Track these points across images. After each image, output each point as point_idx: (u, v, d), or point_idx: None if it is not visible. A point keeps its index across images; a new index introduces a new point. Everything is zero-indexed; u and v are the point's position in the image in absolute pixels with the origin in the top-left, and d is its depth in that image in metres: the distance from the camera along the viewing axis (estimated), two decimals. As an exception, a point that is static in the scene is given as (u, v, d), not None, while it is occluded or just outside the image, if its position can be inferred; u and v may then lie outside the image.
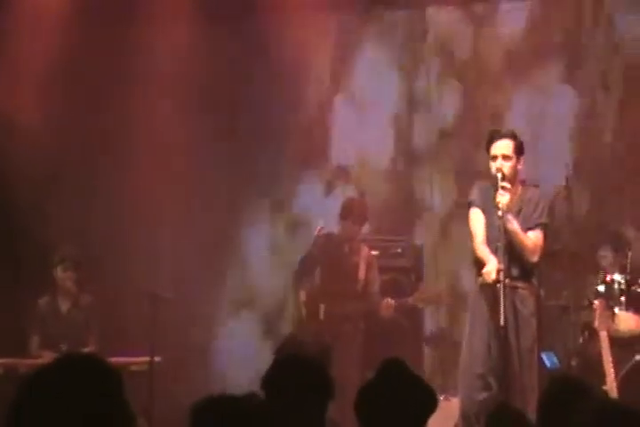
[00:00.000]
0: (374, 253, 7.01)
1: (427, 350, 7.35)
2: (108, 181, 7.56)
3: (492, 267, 5.25)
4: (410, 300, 6.74)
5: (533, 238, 5.45)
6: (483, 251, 5.41)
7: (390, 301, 6.69)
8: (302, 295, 6.84)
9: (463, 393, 5.44)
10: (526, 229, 5.44)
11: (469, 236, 5.56)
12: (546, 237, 5.52)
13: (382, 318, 6.69)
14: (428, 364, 7.25)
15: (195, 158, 7.63)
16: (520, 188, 5.55)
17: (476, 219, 5.54)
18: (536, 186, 5.66)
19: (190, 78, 7.58)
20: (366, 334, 6.76)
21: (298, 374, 3.15)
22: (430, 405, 3.08)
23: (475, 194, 5.59)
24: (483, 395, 5.31)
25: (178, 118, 7.54)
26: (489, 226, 5.47)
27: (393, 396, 3.06)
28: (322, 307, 6.68)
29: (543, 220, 5.51)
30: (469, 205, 5.61)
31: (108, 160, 7.57)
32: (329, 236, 6.81)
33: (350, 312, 6.69)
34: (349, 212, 6.82)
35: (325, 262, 6.79)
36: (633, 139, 7.37)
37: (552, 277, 7.04)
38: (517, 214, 5.46)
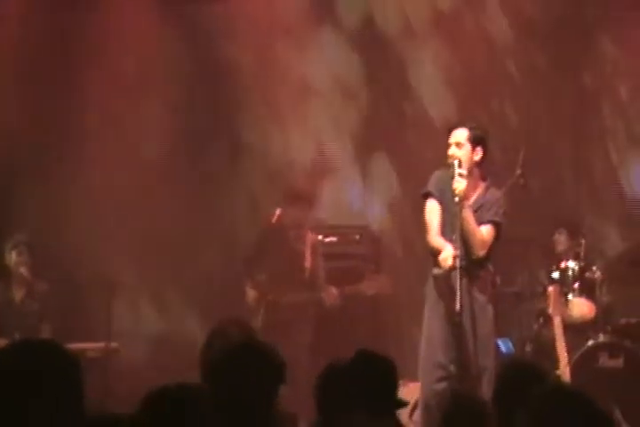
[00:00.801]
0: (332, 239, 7.01)
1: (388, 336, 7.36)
2: (64, 168, 7.49)
3: (448, 253, 5.30)
4: (359, 287, 6.70)
5: (484, 232, 5.49)
6: (437, 240, 5.45)
7: (334, 289, 6.65)
8: (249, 283, 6.82)
9: (424, 383, 5.46)
10: (479, 224, 5.49)
11: (423, 226, 5.58)
12: (497, 236, 5.54)
13: (330, 306, 6.68)
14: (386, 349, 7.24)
15: (154, 145, 7.59)
16: (482, 185, 5.59)
17: (432, 210, 5.56)
18: (499, 188, 5.69)
19: (154, 65, 7.54)
20: (317, 322, 6.74)
21: (248, 360, 3.15)
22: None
23: (431, 184, 5.60)
24: (443, 384, 5.34)
25: (136, 105, 7.50)
26: (447, 215, 5.51)
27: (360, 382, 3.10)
28: (270, 295, 6.67)
29: (497, 219, 5.55)
30: (426, 195, 5.62)
31: (63, 146, 7.50)
32: (277, 222, 6.74)
33: (297, 300, 6.67)
34: (295, 198, 6.79)
35: (272, 250, 6.71)
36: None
37: (508, 264, 7.13)
38: (475, 212, 5.50)
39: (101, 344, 6.35)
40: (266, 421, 2.98)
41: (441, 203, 5.54)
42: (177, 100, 7.66)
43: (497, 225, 5.53)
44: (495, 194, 5.60)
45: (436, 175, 5.64)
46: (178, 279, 7.59)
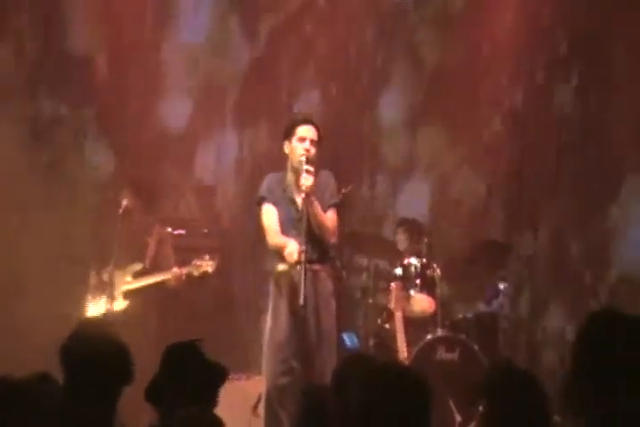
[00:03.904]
0: (181, 232, 7.03)
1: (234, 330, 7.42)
2: None
3: (292, 248, 5.41)
4: (184, 269, 6.67)
5: (331, 219, 5.63)
6: (279, 238, 5.55)
7: (177, 268, 6.65)
8: (93, 275, 6.79)
9: (267, 377, 5.52)
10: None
11: (263, 231, 5.66)
12: (339, 215, 5.68)
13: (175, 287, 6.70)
14: (239, 339, 7.25)
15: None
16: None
17: (268, 213, 5.65)
18: (325, 169, 5.76)
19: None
20: (161, 307, 6.76)
21: (91, 357, 3.17)
22: (218, 380, 3.20)
23: (263, 189, 5.69)
24: (286, 378, 5.42)
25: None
26: (285, 214, 5.62)
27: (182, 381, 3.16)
28: (117, 284, 6.66)
29: (335, 200, 5.67)
30: (260, 201, 5.69)
31: None
32: (124, 213, 6.65)
33: (141, 288, 6.69)
34: (138, 189, 6.78)
35: (121, 240, 6.68)
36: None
37: (353, 259, 7.33)
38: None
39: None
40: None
41: (275, 204, 5.64)
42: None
43: (336, 207, 5.67)
44: (324, 175, 5.69)
45: (267, 180, 5.73)
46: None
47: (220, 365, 3.29)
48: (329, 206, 5.62)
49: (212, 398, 3.19)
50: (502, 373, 3.24)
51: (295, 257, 5.38)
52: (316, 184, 5.54)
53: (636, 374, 2.51)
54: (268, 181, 5.71)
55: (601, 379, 2.53)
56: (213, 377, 3.23)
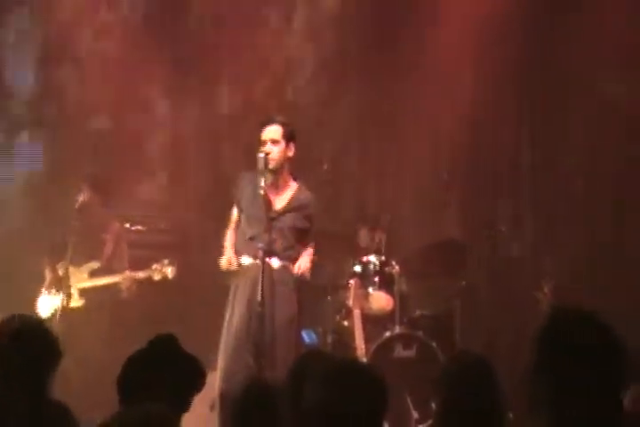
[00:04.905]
0: (139, 228, 6.99)
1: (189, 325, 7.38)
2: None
3: (224, 260, 5.63)
4: (142, 273, 6.65)
5: (309, 258, 5.77)
6: (226, 244, 5.75)
7: (130, 273, 6.64)
8: (48, 268, 6.74)
9: (223, 376, 5.51)
10: (296, 230, 5.67)
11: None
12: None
13: (127, 291, 6.67)
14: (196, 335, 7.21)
15: None
16: (294, 184, 5.74)
17: (230, 218, 5.84)
18: (310, 190, 5.83)
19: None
20: (113, 309, 6.72)
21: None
22: (197, 380, 3.20)
23: (236, 190, 5.80)
24: (242, 374, 5.38)
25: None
26: (256, 212, 5.64)
27: (159, 370, 3.15)
28: (73, 282, 6.61)
29: (311, 235, 5.81)
30: (233, 201, 5.82)
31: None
32: (80, 209, 6.61)
33: (97, 287, 6.65)
34: (94, 185, 6.73)
35: (77, 236, 6.65)
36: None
37: (314, 256, 7.31)
38: (289, 212, 5.68)
39: None
40: (34, 409, 3.00)
41: (246, 201, 5.69)
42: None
43: (314, 242, 5.85)
44: (308, 197, 5.77)
45: (241, 177, 5.81)
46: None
47: (199, 363, 3.27)
48: (309, 244, 5.77)
49: (185, 402, 3.16)
50: (458, 365, 3.26)
51: (223, 266, 5.57)
52: (298, 199, 5.67)
53: (596, 374, 2.52)
54: (241, 180, 5.77)
55: (561, 379, 2.53)
56: (191, 377, 3.20)
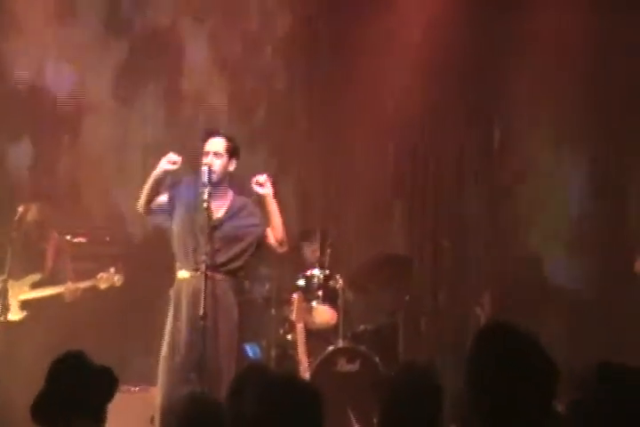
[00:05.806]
0: (81, 240, 6.90)
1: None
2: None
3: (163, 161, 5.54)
4: (87, 282, 6.57)
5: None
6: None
7: (73, 284, 6.55)
8: None
9: (163, 387, 5.44)
10: (241, 233, 5.62)
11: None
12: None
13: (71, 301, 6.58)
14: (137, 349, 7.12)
15: None
16: (230, 193, 5.72)
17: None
18: (247, 196, 5.80)
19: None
20: (59, 322, 6.63)
21: None
22: (109, 392, 3.15)
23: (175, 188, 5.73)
24: (183, 388, 5.27)
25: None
26: (194, 221, 5.59)
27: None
28: (13, 294, 6.51)
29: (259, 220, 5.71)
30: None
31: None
32: (20, 220, 6.50)
33: (39, 299, 6.56)
34: (37, 195, 6.67)
35: (16, 248, 6.54)
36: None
37: (257, 269, 7.29)
38: (230, 217, 5.63)
39: None
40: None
41: (183, 207, 5.63)
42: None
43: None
44: (246, 201, 5.74)
45: (183, 180, 5.76)
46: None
47: (110, 374, 3.21)
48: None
49: (100, 412, 3.11)
50: (404, 376, 3.25)
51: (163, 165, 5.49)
52: (233, 207, 5.63)
53: (528, 390, 2.53)
54: (183, 183, 5.72)
55: (495, 396, 2.54)
56: (101, 388, 3.15)
